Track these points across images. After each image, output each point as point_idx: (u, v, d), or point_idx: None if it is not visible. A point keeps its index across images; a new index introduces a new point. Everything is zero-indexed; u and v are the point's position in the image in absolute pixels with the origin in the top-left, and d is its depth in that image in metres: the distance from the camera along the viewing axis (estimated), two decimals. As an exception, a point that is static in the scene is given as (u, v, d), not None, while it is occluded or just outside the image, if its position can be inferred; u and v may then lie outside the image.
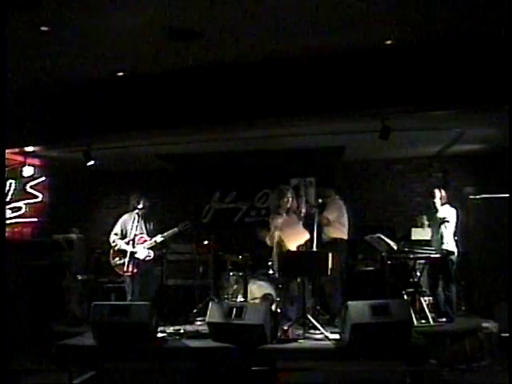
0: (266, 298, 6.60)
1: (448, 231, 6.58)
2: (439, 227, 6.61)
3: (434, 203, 6.65)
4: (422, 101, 5.53)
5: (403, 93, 5.54)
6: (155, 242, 6.46)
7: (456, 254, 6.60)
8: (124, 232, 6.48)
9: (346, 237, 6.67)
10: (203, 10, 4.59)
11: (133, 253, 6.36)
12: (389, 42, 5.38)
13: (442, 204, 6.64)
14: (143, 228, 6.52)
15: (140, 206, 6.48)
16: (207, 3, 4.49)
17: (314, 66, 5.78)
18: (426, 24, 4.97)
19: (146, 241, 6.48)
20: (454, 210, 6.69)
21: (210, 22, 4.86)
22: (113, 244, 6.46)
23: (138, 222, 6.46)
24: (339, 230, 6.59)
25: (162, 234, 6.52)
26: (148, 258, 6.40)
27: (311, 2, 4.52)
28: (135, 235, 6.43)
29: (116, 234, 6.48)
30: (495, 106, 5.50)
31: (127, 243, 6.40)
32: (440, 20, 4.89)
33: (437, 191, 6.72)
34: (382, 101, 5.59)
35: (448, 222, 6.55)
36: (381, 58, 5.57)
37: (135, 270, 6.35)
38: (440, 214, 6.59)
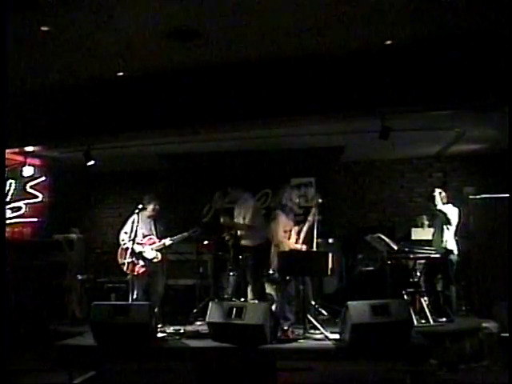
0: (265, 297, 6.60)
1: (449, 231, 6.58)
2: (441, 227, 6.62)
3: (433, 198, 6.67)
4: (422, 101, 5.52)
5: (403, 93, 5.53)
6: (164, 244, 6.46)
7: (456, 254, 6.61)
8: (134, 231, 6.46)
9: (258, 241, 6.62)
10: (203, 10, 4.59)
11: (141, 253, 6.36)
12: (389, 42, 5.37)
13: (444, 203, 6.66)
14: (153, 229, 6.52)
15: (151, 208, 6.49)
16: (207, 3, 4.49)
17: (314, 66, 5.77)
18: (425, 24, 4.97)
19: (154, 242, 6.47)
20: (456, 210, 6.70)
21: (210, 22, 4.86)
22: (122, 242, 6.44)
23: (148, 223, 6.49)
24: (250, 237, 6.57)
25: (171, 237, 6.51)
26: (155, 260, 6.40)
27: (311, 2, 4.52)
28: (144, 236, 6.43)
29: (126, 233, 6.44)
30: (495, 106, 5.50)
31: (136, 243, 6.38)
32: (440, 20, 4.89)
33: (436, 190, 6.75)
34: (382, 101, 5.59)
35: (450, 221, 6.56)
36: (381, 58, 5.57)
37: (142, 270, 6.34)
38: (441, 213, 6.61)
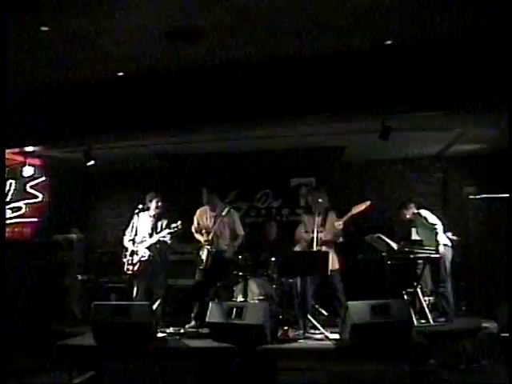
0: (266, 297, 6.59)
1: (433, 233, 6.58)
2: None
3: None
4: (422, 101, 5.53)
5: (403, 93, 5.54)
6: (149, 243, 6.38)
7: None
8: (135, 230, 6.42)
9: None
10: (203, 10, 4.59)
11: (134, 252, 6.33)
12: (389, 42, 5.38)
13: (418, 208, 6.80)
14: (153, 229, 6.45)
15: (154, 206, 6.44)
16: (207, 3, 4.49)
17: (315, 66, 5.77)
18: (426, 24, 4.97)
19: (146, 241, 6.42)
20: (428, 212, 6.72)
21: (210, 22, 4.86)
22: (125, 244, 6.43)
23: (149, 222, 6.43)
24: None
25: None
26: (143, 259, 6.33)
27: (312, 2, 4.53)
28: (145, 235, 6.38)
29: (128, 232, 6.44)
30: (495, 106, 5.50)
31: (131, 241, 6.36)
32: (440, 20, 4.89)
33: (407, 205, 6.95)
34: (382, 101, 5.59)
35: (433, 224, 6.59)
36: (381, 57, 5.57)
37: (135, 269, 6.30)
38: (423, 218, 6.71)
